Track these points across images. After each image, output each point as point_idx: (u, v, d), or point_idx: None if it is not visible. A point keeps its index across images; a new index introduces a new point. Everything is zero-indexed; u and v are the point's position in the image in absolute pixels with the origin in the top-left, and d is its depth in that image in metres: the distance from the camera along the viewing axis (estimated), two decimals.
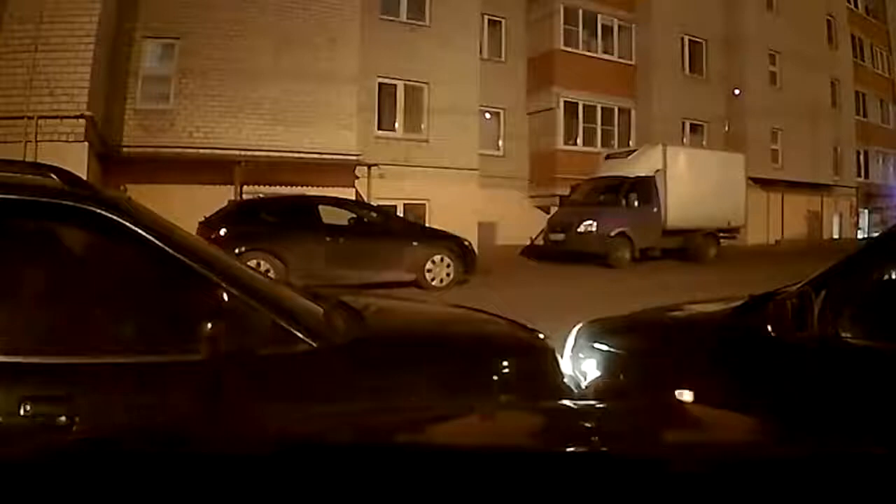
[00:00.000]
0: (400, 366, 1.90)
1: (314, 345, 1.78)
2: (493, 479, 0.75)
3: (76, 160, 8.98)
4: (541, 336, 2.49)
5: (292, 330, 1.77)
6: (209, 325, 1.63)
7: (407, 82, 15.31)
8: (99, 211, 1.71)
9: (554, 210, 16.98)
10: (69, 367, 1.58)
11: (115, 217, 1.71)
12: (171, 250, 1.73)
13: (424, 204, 15.10)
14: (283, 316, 1.79)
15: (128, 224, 1.72)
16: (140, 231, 1.72)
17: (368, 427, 1.13)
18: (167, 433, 1.08)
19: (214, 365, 1.63)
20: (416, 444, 1.04)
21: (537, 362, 2.23)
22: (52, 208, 1.70)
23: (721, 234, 16.11)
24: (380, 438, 1.04)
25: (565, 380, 2.30)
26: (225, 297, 1.72)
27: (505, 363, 2.15)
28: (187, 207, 10.10)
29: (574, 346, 2.98)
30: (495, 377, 2.08)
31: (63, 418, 1.49)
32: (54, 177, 1.91)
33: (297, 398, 1.68)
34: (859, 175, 27.02)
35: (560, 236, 14.34)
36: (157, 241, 1.72)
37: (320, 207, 9.99)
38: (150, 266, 1.77)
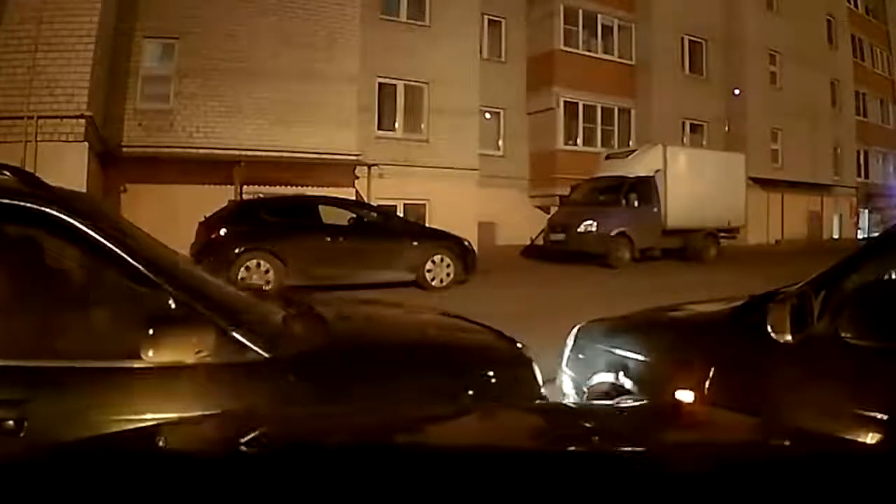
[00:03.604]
0: (360, 377, 1.83)
1: (265, 355, 1.72)
2: (493, 479, 0.75)
3: (76, 160, 8.99)
4: (519, 346, 2.41)
5: (243, 339, 1.71)
6: (157, 332, 1.59)
7: (407, 82, 15.31)
8: (51, 211, 1.65)
9: (554, 210, 16.98)
10: (15, 369, 1.54)
11: (67, 218, 1.66)
12: (124, 254, 1.68)
13: (424, 204, 15.10)
14: (235, 324, 1.74)
15: (79, 225, 1.66)
16: (92, 233, 1.66)
17: (368, 427, 1.13)
18: (166, 433, 1.08)
19: (159, 372, 1.59)
20: (417, 443, 1.04)
21: (514, 373, 2.16)
22: (4, 209, 1.64)
23: (721, 234, 16.11)
24: (380, 438, 1.04)
25: (542, 391, 2.21)
26: (175, 303, 1.67)
27: (479, 373, 2.07)
28: (187, 207, 10.12)
29: (574, 347, 2.98)
30: (468, 388, 2.00)
31: (11, 423, 1.46)
32: (8, 174, 1.85)
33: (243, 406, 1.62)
34: (859, 175, 27.03)
35: (560, 236, 14.34)
36: (109, 245, 1.67)
37: (320, 207, 9.99)
38: (101, 270, 1.72)
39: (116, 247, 1.68)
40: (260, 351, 1.72)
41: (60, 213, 1.66)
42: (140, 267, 1.68)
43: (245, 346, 1.71)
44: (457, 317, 2.82)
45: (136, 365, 1.59)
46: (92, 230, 1.67)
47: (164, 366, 1.60)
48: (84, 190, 9.00)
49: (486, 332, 2.56)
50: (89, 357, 1.63)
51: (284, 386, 1.73)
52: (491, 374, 2.11)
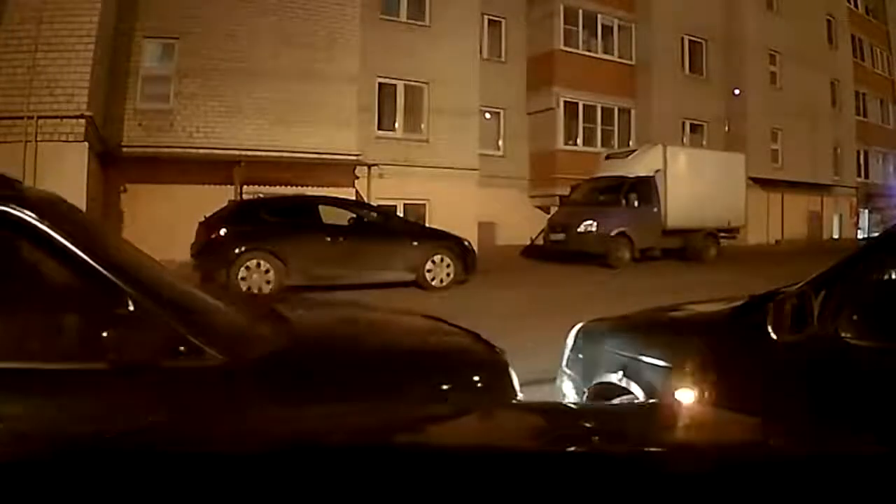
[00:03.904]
0: (320, 383, 1.78)
1: (222, 359, 1.67)
2: (493, 480, 0.75)
3: (76, 160, 9.00)
4: (496, 349, 2.35)
5: (199, 343, 1.67)
6: (111, 335, 1.56)
7: (407, 82, 15.32)
8: (6, 209, 1.62)
9: (554, 210, 16.98)
10: None
11: (23, 215, 1.62)
12: (82, 254, 1.63)
13: (424, 204, 15.10)
14: (194, 327, 1.70)
15: (37, 224, 1.63)
16: (49, 231, 1.63)
17: (367, 427, 1.13)
18: (165, 433, 1.08)
19: (114, 375, 1.56)
20: (416, 443, 1.04)
21: (489, 378, 2.10)
22: None
23: (721, 234, 16.11)
24: (379, 438, 1.04)
25: (519, 396, 2.16)
26: (134, 306, 1.63)
27: (452, 378, 2.02)
28: (187, 207, 10.12)
29: (574, 347, 2.98)
30: (440, 393, 1.95)
31: None
32: None
33: (197, 414, 1.58)
34: (859, 175, 27.03)
35: (560, 236, 14.34)
36: (67, 244, 1.63)
37: (320, 207, 9.99)
38: (59, 271, 1.67)
39: (75, 246, 1.63)
40: (216, 355, 1.67)
41: (16, 210, 1.63)
42: (98, 267, 1.63)
43: (202, 350, 1.66)
44: (437, 319, 2.73)
45: (86, 367, 1.56)
46: (50, 228, 1.63)
47: (115, 369, 1.56)
48: (84, 190, 9.03)
49: (463, 335, 2.49)
50: (39, 359, 1.60)
51: (240, 391, 1.68)
52: (465, 378, 2.04)
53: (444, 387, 1.98)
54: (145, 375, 1.59)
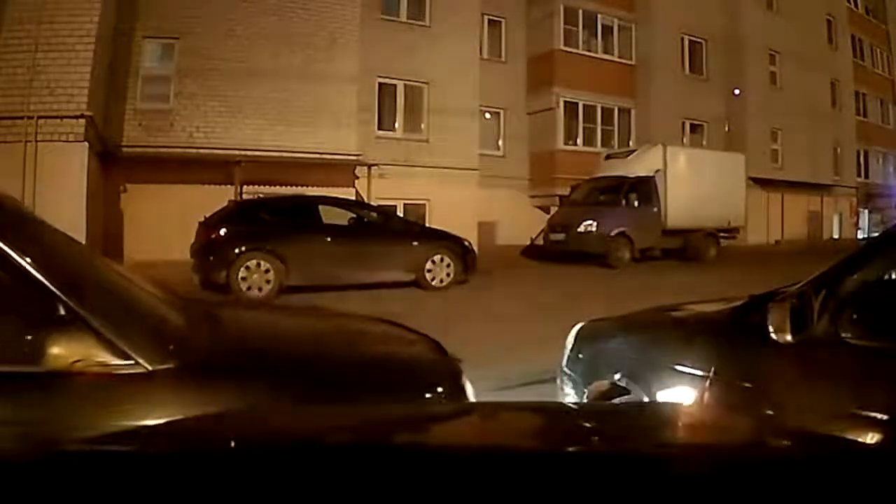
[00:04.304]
0: (248, 391, 1.69)
1: (148, 367, 1.61)
2: (493, 479, 0.75)
3: (76, 160, 9.01)
4: (451, 358, 2.25)
5: (125, 348, 1.60)
6: (37, 338, 1.51)
7: (407, 82, 15.32)
8: None
9: (554, 210, 16.99)
10: None
11: None
12: (11, 252, 1.56)
13: (424, 204, 15.11)
14: (122, 332, 1.62)
15: None
16: None
17: (367, 426, 1.13)
18: (164, 433, 1.08)
19: (34, 380, 1.51)
20: (416, 443, 1.04)
21: (439, 389, 2.00)
22: None
23: (721, 234, 16.12)
24: (379, 438, 1.03)
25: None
26: (63, 308, 1.56)
27: (398, 390, 1.91)
28: (187, 207, 10.13)
29: (574, 347, 2.98)
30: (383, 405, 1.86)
31: None
32: None
33: (113, 422, 1.50)
34: (859, 175, 27.04)
35: (560, 236, 14.35)
36: None
37: (320, 207, 9.98)
38: None
39: (7, 246, 1.56)
40: (142, 361, 1.61)
41: None
42: (28, 267, 1.56)
43: (127, 355, 1.60)
44: (395, 325, 2.63)
45: (4, 370, 1.50)
46: None
47: (35, 374, 1.51)
48: (84, 190, 9.03)
49: (418, 342, 2.38)
50: None
51: (162, 398, 1.61)
52: (412, 389, 1.94)
53: (390, 399, 1.86)
54: (68, 380, 1.54)
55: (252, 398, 1.65)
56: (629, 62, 19.98)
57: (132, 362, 1.59)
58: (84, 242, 8.93)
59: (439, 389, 2.01)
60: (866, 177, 27.66)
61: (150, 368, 1.61)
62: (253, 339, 2.13)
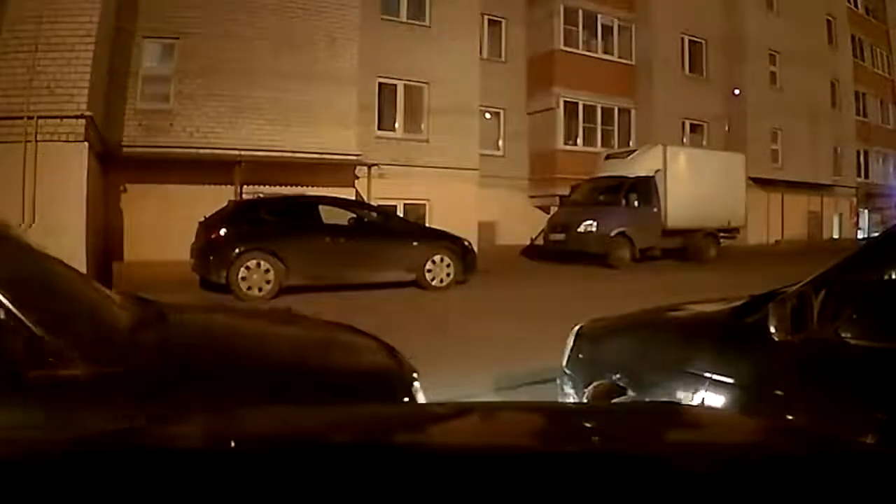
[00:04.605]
0: (187, 403, 1.65)
1: (76, 371, 1.58)
2: (493, 479, 0.75)
3: (76, 160, 8.99)
4: (402, 364, 2.22)
5: (62, 351, 1.57)
6: None
7: (407, 82, 15.31)
8: None
9: (554, 210, 16.99)
10: None
11: None
12: None
13: (424, 204, 15.11)
14: (64, 335, 1.60)
15: None
16: None
17: (367, 426, 1.13)
18: (164, 432, 1.08)
19: None
20: (416, 443, 1.04)
21: (379, 396, 1.97)
22: None
23: (721, 234, 16.13)
24: (379, 438, 1.03)
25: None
26: (1, 312, 1.54)
27: (343, 399, 1.86)
28: (187, 207, 10.13)
29: (574, 347, 2.98)
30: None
31: None
32: None
33: (46, 427, 1.48)
34: (859, 175, 27.03)
35: (560, 236, 14.35)
36: None
37: (320, 207, 9.99)
38: None
39: None
40: (79, 365, 1.58)
41: None
42: None
43: (64, 358, 1.58)
44: (352, 329, 2.58)
45: None
46: None
47: None
48: (84, 190, 9.02)
49: (372, 350, 2.35)
50: None
51: (103, 401, 1.59)
52: (357, 398, 1.88)
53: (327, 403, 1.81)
54: (6, 383, 1.51)
55: (177, 406, 1.60)
56: (629, 62, 19.98)
57: (72, 364, 1.56)
58: (84, 242, 8.90)
59: (387, 394, 1.97)
60: (866, 177, 27.65)
61: (82, 372, 1.58)
62: (194, 347, 2.07)
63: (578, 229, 13.85)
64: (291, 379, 1.92)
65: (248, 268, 8.97)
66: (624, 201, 14.39)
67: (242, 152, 11.87)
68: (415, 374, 2.18)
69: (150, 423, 1.36)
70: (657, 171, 14.83)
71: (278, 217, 9.69)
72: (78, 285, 2.03)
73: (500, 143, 18.83)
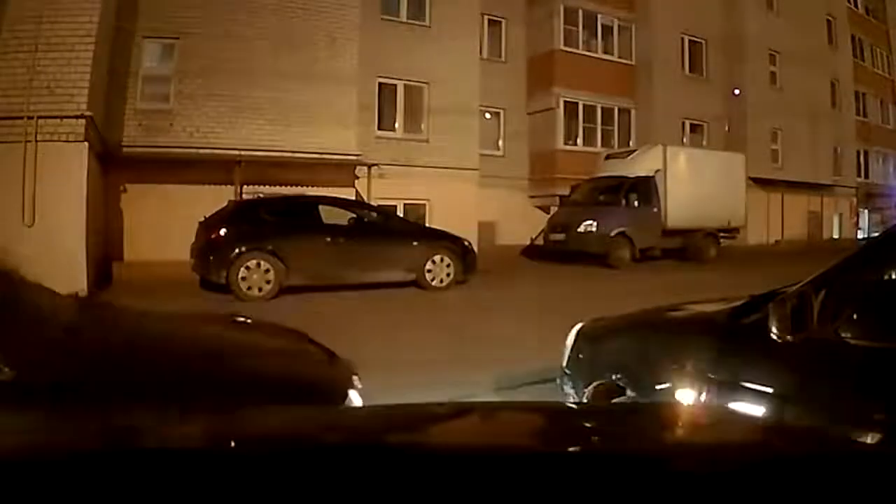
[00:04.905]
0: (117, 410, 1.61)
1: (12, 373, 1.57)
2: (493, 479, 0.75)
3: (76, 160, 8.99)
4: (340, 369, 2.19)
5: None
6: None
7: (407, 82, 15.32)
8: None
9: (554, 210, 16.99)
10: None
11: None
12: None
13: (424, 204, 15.11)
14: None
15: None
16: None
17: (367, 426, 1.13)
18: (164, 432, 1.08)
19: None
20: (416, 443, 1.04)
21: (313, 401, 1.94)
22: None
23: (721, 234, 16.13)
24: (379, 438, 1.03)
25: None
26: None
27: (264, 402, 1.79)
28: (187, 207, 10.12)
29: (574, 347, 2.98)
30: None
31: None
32: None
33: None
34: (859, 175, 27.03)
35: (560, 236, 14.35)
36: None
37: (320, 207, 9.99)
38: None
39: None
40: (6, 369, 1.56)
41: None
42: None
43: None
44: (297, 334, 2.54)
45: None
46: None
47: None
48: (84, 190, 9.02)
49: (310, 354, 2.31)
50: None
51: (24, 407, 1.55)
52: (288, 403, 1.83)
53: None
54: None
55: (105, 408, 1.57)
56: (629, 62, 19.98)
57: None
58: (84, 242, 8.88)
59: (318, 398, 1.94)
60: (866, 177, 27.65)
61: (11, 374, 1.56)
62: (115, 355, 2.00)
63: (578, 229, 13.85)
64: (204, 386, 1.85)
65: (248, 268, 8.97)
66: (624, 201, 14.39)
67: (242, 152, 11.87)
68: (354, 382, 2.13)
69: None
70: (657, 171, 14.83)
71: (278, 217, 9.69)
72: (10, 290, 1.99)
73: (500, 143, 18.83)
